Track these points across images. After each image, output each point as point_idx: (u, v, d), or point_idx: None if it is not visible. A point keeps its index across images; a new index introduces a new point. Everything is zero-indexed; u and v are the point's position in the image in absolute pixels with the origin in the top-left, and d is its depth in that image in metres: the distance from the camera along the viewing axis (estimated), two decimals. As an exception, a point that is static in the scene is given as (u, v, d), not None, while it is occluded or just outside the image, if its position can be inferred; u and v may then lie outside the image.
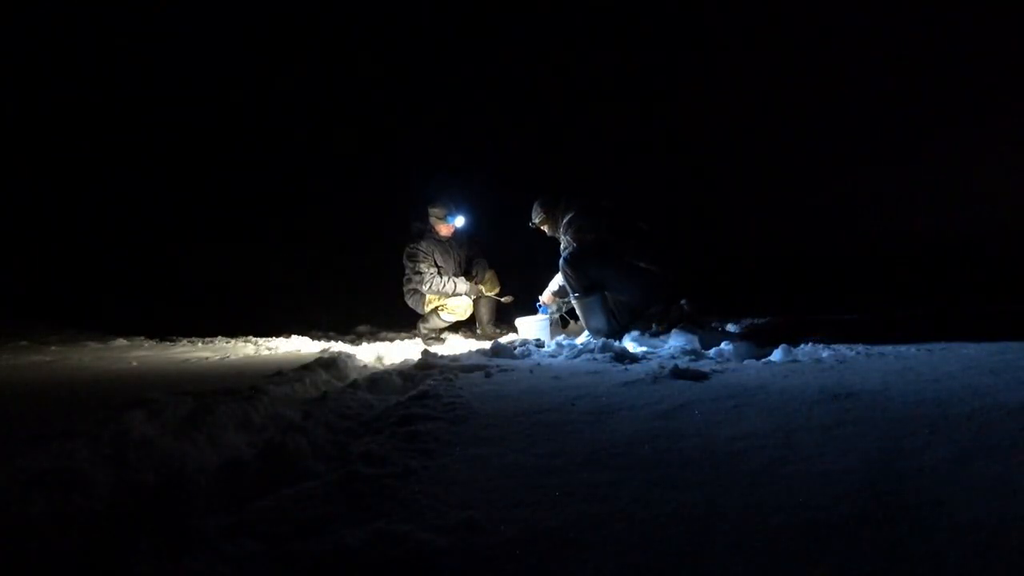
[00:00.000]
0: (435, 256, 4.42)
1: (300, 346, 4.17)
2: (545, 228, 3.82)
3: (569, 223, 3.59)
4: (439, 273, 4.39)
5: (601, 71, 8.85)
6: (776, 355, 2.37)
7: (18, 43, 8.01)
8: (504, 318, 4.91)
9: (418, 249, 4.36)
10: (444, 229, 4.43)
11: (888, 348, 2.52)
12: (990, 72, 7.73)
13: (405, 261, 4.44)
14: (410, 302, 4.55)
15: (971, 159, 7.67)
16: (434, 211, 4.38)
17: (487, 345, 3.40)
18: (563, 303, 3.96)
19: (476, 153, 7.92)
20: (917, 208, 7.63)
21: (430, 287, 4.31)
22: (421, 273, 4.31)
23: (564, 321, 4.57)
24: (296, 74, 9.11)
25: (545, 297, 3.93)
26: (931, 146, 7.92)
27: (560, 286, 3.79)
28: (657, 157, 8.61)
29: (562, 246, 3.65)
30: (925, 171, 7.80)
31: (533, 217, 3.85)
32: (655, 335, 3.11)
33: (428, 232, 4.45)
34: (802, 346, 2.55)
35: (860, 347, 2.57)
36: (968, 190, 7.49)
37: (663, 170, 8.40)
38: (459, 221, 4.39)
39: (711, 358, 2.47)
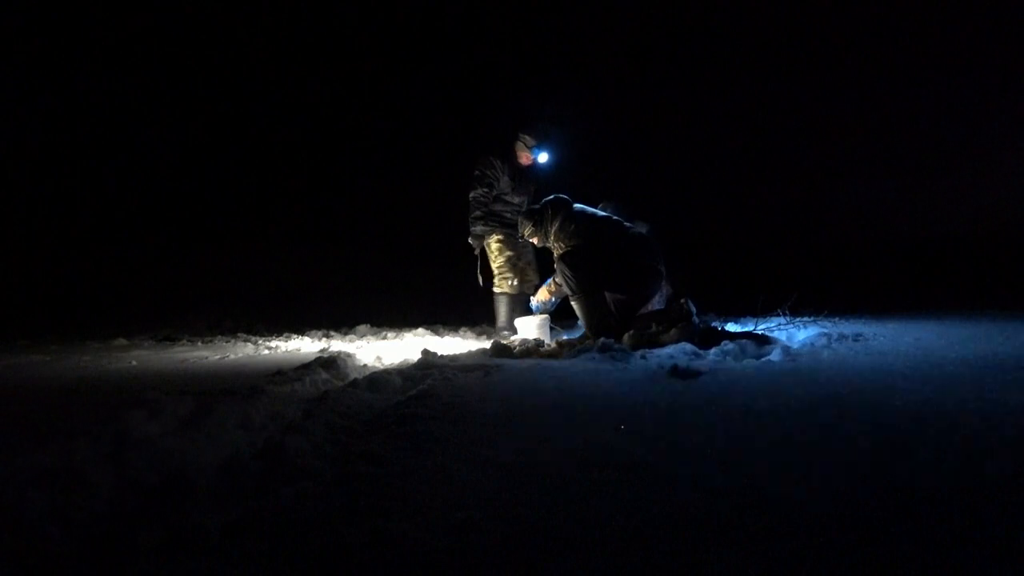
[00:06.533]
0: (504, 176, 4.21)
1: (300, 346, 4.17)
2: (535, 240, 3.80)
3: (560, 229, 3.58)
4: (489, 198, 4.20)
5: (614, 68, 8.83)
6: (776, 355, 2.37)
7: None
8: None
9: (492, 161, 4.19)
10: (524, 158, 4.24)
11: (888, 348, 2.52)
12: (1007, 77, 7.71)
13: (476, 169, 4.26)
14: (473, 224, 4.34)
15: (981, 164, 7.67)
16: (524, 136, 4.18)
17: (487, 345, 3.40)
18: (555, 300, 3.93)
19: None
20: (927, 213, 7.62)
21: (472, 199, 4.20)
22: (475, 187, 4.19)
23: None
24: (300, 69, 9.09)
25: (540, 295, 3.92)
26: (941, 152, 7.92)
27: (556, 285, 3.78)
28: (664, 159, 8.60)
29: (555, 254, 3.64)
30: (936, 177, 7.79)
31: (520, 230, 3.83)
32: (655, 335, 3.11)
33: (509, 153, 4.25)
34: (802, 346, 2.55)
35: (860, 347, 2.57)
36: (979, 195, 7.49)
37: (668, 171, 8.40)
38: (542, 157, 4.18)
39: (711, 358, 2.47)
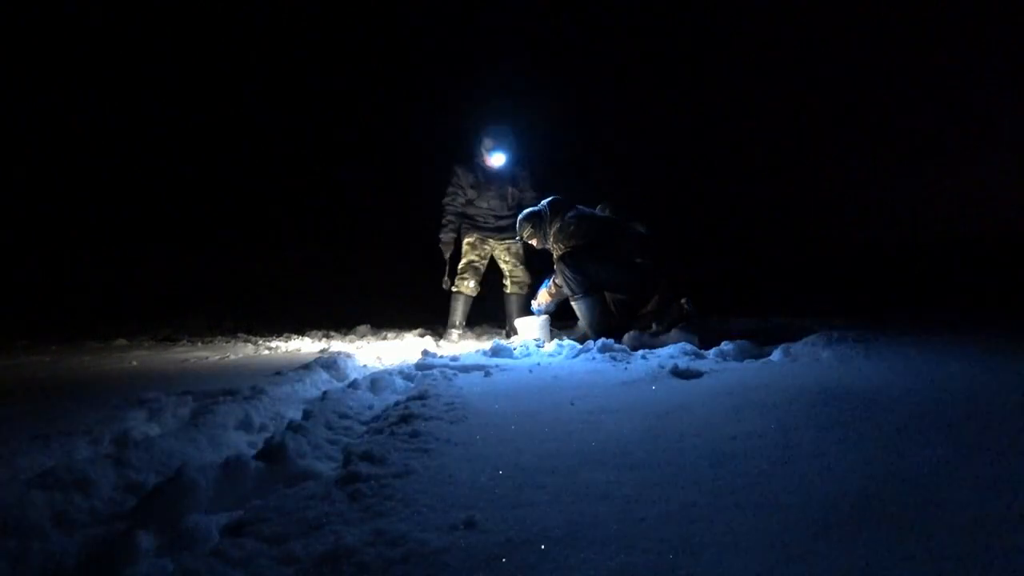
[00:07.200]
0: (468, 182, 4.31)
1: (300, 346, 4.17)
2: (534, 242, 3.80)
3: (560, 230, 3.58)
4: (456, 205, 4.33)
5: (619, 67, 8.82)
6: (776, 355, 2.36)
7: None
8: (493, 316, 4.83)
9: (454, 169, 4.32)
10: (486, 159, 4.31)
11: (889, 348, 2.51)
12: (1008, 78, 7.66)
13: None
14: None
15: (982, 161, 7.64)
16: (485, 140, 4.26)
17: (487, 345, 3.40)
18: (555, 301, 3.94)
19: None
20: (930, 214, 7.58)
21: (443, 207, 4.34)
22: (447, 191, 4.32)
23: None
24: (301, 69, 9.08)
25: (540, 298, 3.92)
26: (945, 152, 7.88)
27: (556, 286, 3.78)
28: (664, 159, 8.59)
29: (555, 255, 3.64)
30: (939, 177, 7.75)
31: (520, 232, 3.84)
32: (655, 335, 3.11)
33: (475, 158, 4.32)
34: (802, 346, 2.55)
35: (860, 347, 2.57)
36: (979, 196, 7.46)
37: (669, 172, 8.39)
38: (495, 159, 4.25)
39: (711, 358, 2.47)
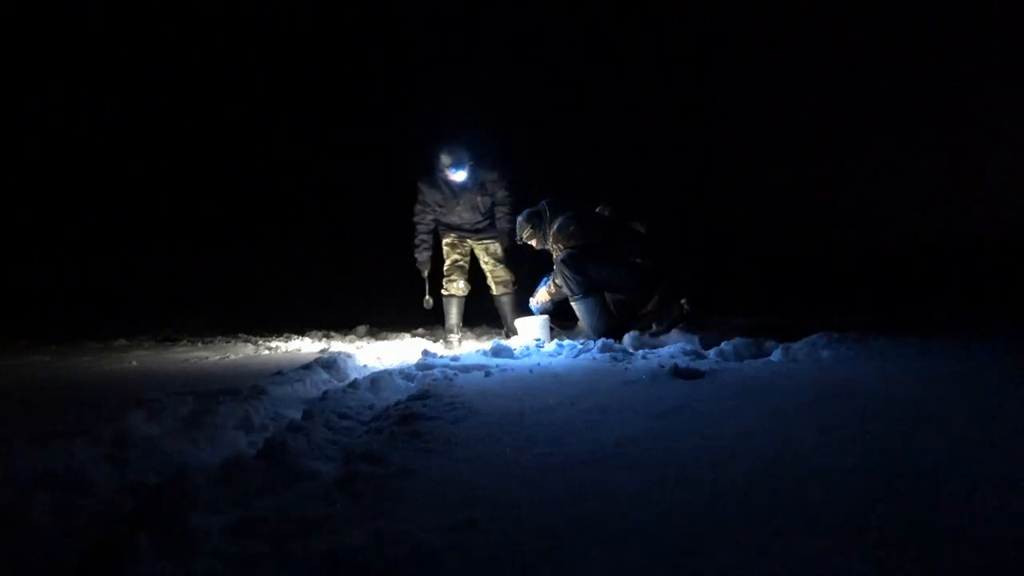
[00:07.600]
0: (434, 199, 4.26)
1: (300, 346, 4.17)
2: (533, 243, 3.80)
3: (559, 230, 3.58)
4: (427, 223, 4.32)
5: (615, 67, 8.81)
6: (776, 355, 2.36)
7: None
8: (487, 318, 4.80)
9: (419, 186, 4.28)
10: (448, 176, 4.21)
11: (889, 349, 2.51)
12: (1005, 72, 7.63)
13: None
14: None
15: (982, 159, 7.61)
16: (441, 157, 4.14)
17: (487, 345, 3.40)
18: (555, 301, 3.93)
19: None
20: (932, 210, 7.55)
21: (414, 225, 4.33)
22: (415, 210, 4.30)
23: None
24: (301, 70, 9.07)
25: (540, 297, 3.92)
26: (944, 147, 7.85)
27: (556, 286, 3.78)
28: (664, 159, 8.58)
29: (555, 255, 3.64)
30: (940, 176, 7.71)
31: (519, 233, 3.83)
32: (655, 335, 3.11)
33: (437, 173, 4.22)
34: (802, 346, 2.55)
35: (860, 347, 2.57)
36: (978, 192, 7.43)
37: (669, 171, 8.39)
38: (458, 175, 4.15)
39: (711, 358, 2.47)
